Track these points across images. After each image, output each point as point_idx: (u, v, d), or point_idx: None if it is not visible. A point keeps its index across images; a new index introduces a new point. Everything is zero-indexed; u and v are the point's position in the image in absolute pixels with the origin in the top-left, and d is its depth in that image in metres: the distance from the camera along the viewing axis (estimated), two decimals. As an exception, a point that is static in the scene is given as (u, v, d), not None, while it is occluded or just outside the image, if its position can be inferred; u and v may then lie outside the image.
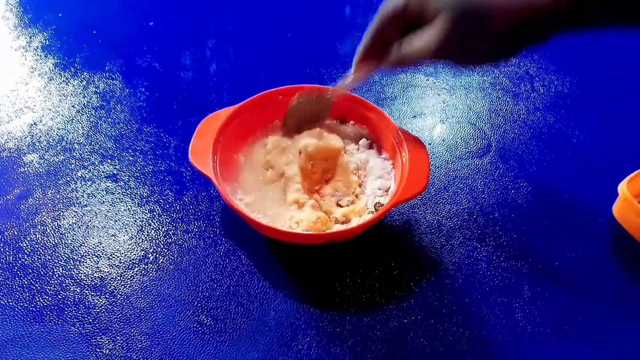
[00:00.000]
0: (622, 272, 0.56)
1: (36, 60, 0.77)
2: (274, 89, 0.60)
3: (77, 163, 0.64)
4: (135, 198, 0.60)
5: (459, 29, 0.37)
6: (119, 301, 0.52)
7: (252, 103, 0.59)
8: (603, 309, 0.53)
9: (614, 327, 0.52)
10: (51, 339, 0.49)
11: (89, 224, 0.58)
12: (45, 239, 0.56)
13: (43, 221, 0.58)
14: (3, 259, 0.55)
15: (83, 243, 0.56)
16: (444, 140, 0.68)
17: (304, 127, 0.58)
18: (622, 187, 0.55)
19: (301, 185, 0.56)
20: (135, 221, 0.58)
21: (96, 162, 0.64)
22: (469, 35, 0.37)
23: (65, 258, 0.55)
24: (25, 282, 0.53)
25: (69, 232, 0.57)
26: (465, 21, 0.36)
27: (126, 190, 0.61)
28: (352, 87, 0.53)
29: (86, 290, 0.52)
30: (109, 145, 0.66)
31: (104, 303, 0.51)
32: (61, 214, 0.59)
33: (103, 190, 0.61)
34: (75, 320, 0.50)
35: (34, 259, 0.55)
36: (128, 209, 0.59)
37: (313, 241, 0.54)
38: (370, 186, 0.57)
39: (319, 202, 0.56)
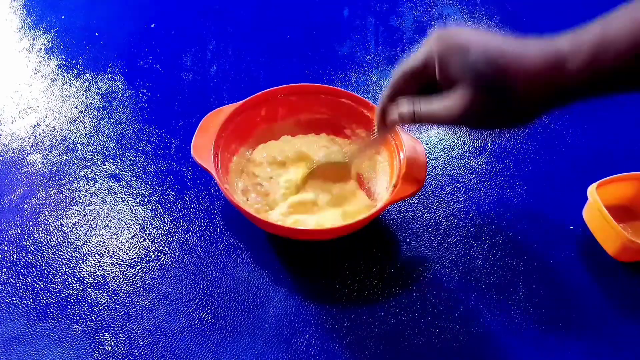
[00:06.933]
0: (617, 269, 0.56)
1: (39, 61, 0.78)
2: (278, 87, 0.61)
3: (79, 163, 0.65)
4: (137, 197, 0.61)
5: (482, 100, 0.35)
6: (121, 299, 0.52)
7: (256, 100, 0.60)
8: (598, 307, 0.54)
9: (609, 324, 0.52)
10: (54, 336, 0.50)
11: (92, 223, 0.59)
12: (49, 237, 0.57)
13: (46, 220, 0.59)
14: (7, 257, 0.55)
15: (86, 242, 0.57)
16: (440, 140, 0.69)
17: (322, 192, 0.58)
18: (592, 190, 0.56)
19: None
20: (137, 220, 0.59)
21: (98, 162, 0.65)
22: (491, 106, 0.35)
23: (68, 257, 0.56)
24: (29, 281, 0.54)
25: (72, 231, 0.58)
26: (489, 93, 0.35)
27: (128, 189, 0.62)
28: (373, 150, 0.56)
29: (89, 288, 0.53)
30: (111, 146, 0.67)
31: (107, 301, 0.52)
32: (64, 213, 0.59)
33: (105, 190, 0.62)
34: (78, 317, 0.51)
35: (38, 258, 0.55)
36: (130, 208, 0.60)
37: (310, 237, 0.55)
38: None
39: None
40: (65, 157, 0.65)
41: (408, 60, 0.40)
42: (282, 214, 0.55)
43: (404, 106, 0.41)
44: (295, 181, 0.58)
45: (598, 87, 0.33)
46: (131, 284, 0.54)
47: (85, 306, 0.52)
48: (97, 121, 0.70)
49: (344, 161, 0.57)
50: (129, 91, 0.74)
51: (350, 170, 0.58)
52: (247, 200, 0.58)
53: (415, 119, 0.40)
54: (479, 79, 0.35)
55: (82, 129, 0.69)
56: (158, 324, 0.51)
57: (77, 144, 0.67)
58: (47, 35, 0.82)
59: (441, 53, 0.37)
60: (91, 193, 0.62)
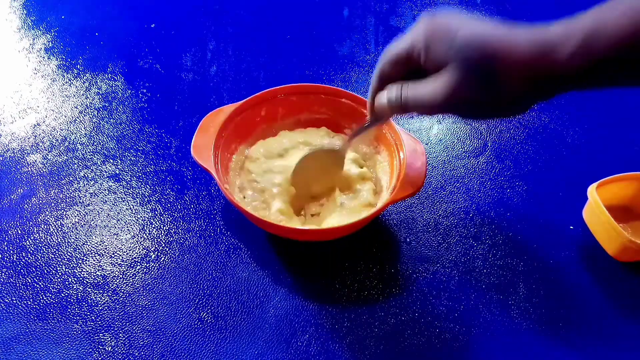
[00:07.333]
0: (617, 269, 0.56)
1: (39, 61, 0.78)
2: (278, 87, 0.61)
3: (79, 163, 0.65)
4: (137, 197, 0.61)
5: (468, 83, 0.34)
6: (121, 299, 0.52)
7: (256, 100, 0.60)
8: (598, 307, 0.54)
9: (609, 324, 0.52)
10: (54, 336, 0.50)
11: (92, 223, 0.59)
12: (49, 237, 0.57)
13: (46, 220, 0.59)
14: (7, 257, 0.55)
15: (86, 242, 0.57)
16: (440, 140, 0.69)
17: (313, 182, 0.57)
18: (592, 190, 0.56)
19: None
20: (137, 220, 0.59)
21: (98, 162, 0.65)
22: (477, 90, 0.34)
23: (68, 257, 0.56)
24: (29, 281, 0.54)
25: (72, 231, 0.58)
26: (476, 76, 0.34)
27: (128, 189, 0.62)
28: (364, 138, 0.55)
29: (89, 288, 0.53)
30: (111, 146, 0.67)
31: (107, 301, 0.52)
32: (64, 213, 0.59)
33: (105, 190, 0.62)
34: (78, 317, 0.51)
35: (38, 258, 0.55)
36: (130, 208, 0.60)
37: (310, 237, 0.55)
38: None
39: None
40: (65, 157, 0.65)
41: (394, 45, 0.39)
42: (282, 214, 0.55)
43: (392, 91, 0.40)
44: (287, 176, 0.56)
45: (589, 77, 0.32)
46: (131, 284, 0.54)
47: (85, 306, 0.52)
48: (97, 121, 0.70)
49: (336, 149, 0.55)
50: (129, 91, 0.74)
51: (344, 159, 0.56)
52: (244, 198, 0.58)
53: (402, 105, 0.39)
54: (465, 63, 0.34)
55: (82, 129, 0.69)
56: (158, 324, 0.51)
57: (77, 144, 0.67)
58: (47, 35, 0.82)
59: (428, 37, 0.36)
60: (91, 193, 0.62)
